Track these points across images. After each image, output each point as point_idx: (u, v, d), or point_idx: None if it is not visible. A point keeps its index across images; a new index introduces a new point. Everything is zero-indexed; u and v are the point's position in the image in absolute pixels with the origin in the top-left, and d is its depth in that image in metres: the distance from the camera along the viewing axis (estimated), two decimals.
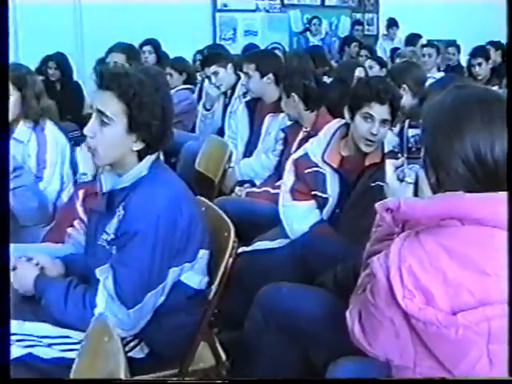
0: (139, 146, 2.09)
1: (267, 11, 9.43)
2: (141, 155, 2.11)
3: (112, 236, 2.09)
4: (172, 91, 5.43)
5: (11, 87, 3.10)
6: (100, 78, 2.07)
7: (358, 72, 4.56)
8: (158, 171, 2.13)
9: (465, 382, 1.92)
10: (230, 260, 2.22)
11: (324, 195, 2.97)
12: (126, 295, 2.01)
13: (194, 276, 2.18)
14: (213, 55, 5.28)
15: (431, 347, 1.44)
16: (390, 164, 1.71)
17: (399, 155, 2.60)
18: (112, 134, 2.06)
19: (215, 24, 9.05)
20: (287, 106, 3.66)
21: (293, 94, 3.56)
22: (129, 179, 2.11)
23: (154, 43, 6.28)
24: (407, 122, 1.69)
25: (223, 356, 2.36)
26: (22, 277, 2.16)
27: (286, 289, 2.34)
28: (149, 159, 2.12)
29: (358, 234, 2.75)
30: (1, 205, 1.34)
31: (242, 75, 4.65)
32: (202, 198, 2.64)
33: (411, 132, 1.66)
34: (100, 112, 2.06)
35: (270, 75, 4.08)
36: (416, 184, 1.61)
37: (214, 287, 2.23)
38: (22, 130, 3.07)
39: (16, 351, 2.08)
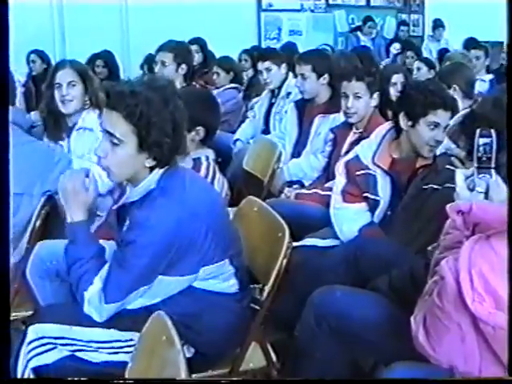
0: (151, 163, 2.06)
1: (312, 11, 9.39)
2: (153, 169, 2.10)
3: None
4: (218, 90, 5.48)
5: (76, 78, 3.19)
6: (107, 97, 2.04)
7: (396, 78, 4.47)
8: (167, 183, 2.09)
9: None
10: (284, 261, 2.21)
11: (375, 197, 2.95)
12: (110, 291, 2.03)
13: (216, 282, 2.19)
14: (269, 51, 5.26)
15: (499, 353, 1.41)
16: (460, 173, 1.69)
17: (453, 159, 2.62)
18: (123, 154, 2.04)
19: (260, 23, 9.04)
20: None
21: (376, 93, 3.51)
22: (137, 193, 2.10)
23: (200, 42, 6.29)
24: (478, 130, 1.66)
25: (273, 357, 2.36)
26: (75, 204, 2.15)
27: (340, 292, 2.31)
28: (157, 172, 2.09)
29: (409, 237, 2.77)
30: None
31: (290, 75, 4.66)
32: (254, 198, 2.64)
33: (482, 141, 1.63)
34: (109, 133, 2.04)
35: (326, 76, 4.05)
36: (486, 193, 1.58)
37: (267, 288, 2.23)
38: (90, 118, 3.19)
39: (62, 355, 2.16)
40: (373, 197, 2.96)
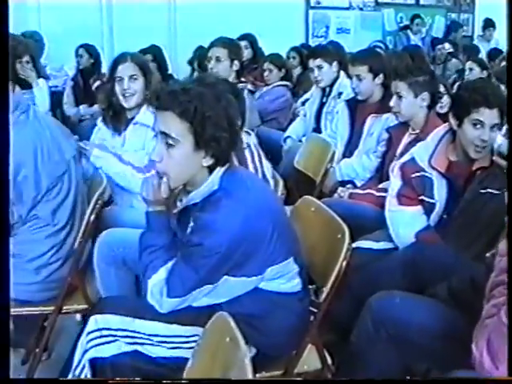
0: (209, 161, 2.03)
1: (361, 9, 9.31)
2: (211, 168, 2.06)
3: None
4: (268, 87, 5.45)
5: (138, 72, 3.18)
6: (157, 99, 2.01)
7: None
8: (229, 183, 2.05)
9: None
10: (344, 263, 2.17)
11: (431, 200, 2.89)
12: (173, 285, 2.03)
13: (281, 282, 2.16)
14: (320, 48, 5.21)
15: None
16: None
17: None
18: (180, 155, 2.01)
19: (308, 21, 8.98)
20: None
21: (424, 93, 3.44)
22: (200, 195, 2.07)
23: (250, 38, 6.27)
24: None
25: (329, 360, 2.32)
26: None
27: (399, 298, 2.27)
28: (218, 172, 2.06)
29: (466, 241, 2.70)
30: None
31: (342, 74, 4.61)
32: (311, 198, 2.61)
33: None
34: (164, 134, 2.01)
35: (381, 75, 3.99)
36: None
37: (325, 290, 2.19)
38: (146, 115, 3.16)
39: (122, 348, 2.15)
40: (429, 200, 2.90)
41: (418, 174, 2.92)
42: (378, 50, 5.78)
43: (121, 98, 3.23)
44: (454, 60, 7.81)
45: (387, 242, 2.94)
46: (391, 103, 3.48)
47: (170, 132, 1.99)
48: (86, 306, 2.73)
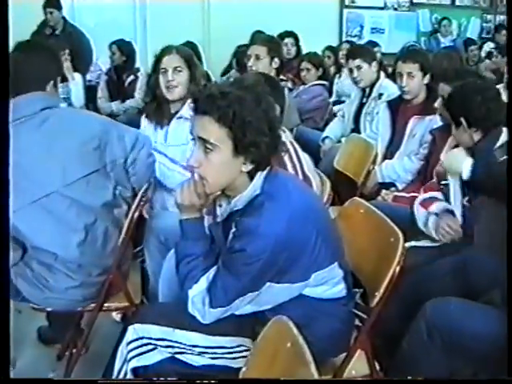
0: (249, 167, 1.97)
1: (395, 9, 9.20)
2: (251, 173, 1.99)
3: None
4: (305, 86, 5.40)
5: (183, 64, 3.14)
6: (195, 103, 1.96)
7: None
8: (271, 187, 1.98)
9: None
10: (398, 268, 2.10)
11: None
12: (215, 295, 1.97)
13: (327, 288, 2.09)
14: (360, 48, 5.15)
15: None
16: None
17: None
18: (218, 161, 1.94)
19: (342, 20, 8.91)
20: None
21: None
22: (242, 201, 2.00)
23: (295, 36, 6.21)
24: None
25: (377, 365, 2.26)
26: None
27: (454, 305, 2.21)
28: (260, 176, 1.99)
29: None
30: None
31: (382, 75, 4.54)
32: (360, 200, 2.55)
33: None
34: (202, 139, 1.94)
35: (428, 75, 3.90)
36: None
37: (377, 294, 2.12)
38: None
39: (164, 355, 2.12)
40: None
41: None
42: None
43: (164, 90, 3.18)
44: (487, 61, 7.68)
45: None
46: (436, 104, 3.40)
47: (208, 137, 1.92)
48: (127, 304, 2.70)
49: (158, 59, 3.23)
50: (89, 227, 2.57)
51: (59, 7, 6.91)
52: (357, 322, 2.29)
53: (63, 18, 6.97)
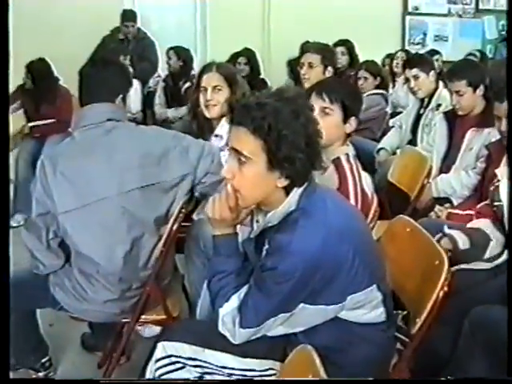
0: (284, 182, 1.87)
1: (460, 16, 8.94)
2: (288, 189, 1.90)
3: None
4: (364, 95, 5.28)
5: (222, 83, 3.11)
6: (231, 112, 1.88)
7: None
8: (308, 203, 1.89)
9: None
10: (441, 293, 1.98)
11: None
12: (246, 314, 1.90)
13: (364, 312, 1.98)
14: (418, 57, 5.00)
15: None
16: None
17: None
18: (252, 174, 1.86)
19: (405, 27, 8.72)
20: None
21: None
22: (276, 217, 1.91)
23: (347, 44, 6.09)
24: None
25: None
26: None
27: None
28: (296, 192, 1.90)
29: None
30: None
31: (441, 85, 4.39)
32: (407, 218, 2.43)
33: None
34: (236, 151, 1.87)
35: (482, 87, 3.74)
36: None
37: (419, 321, 2.00)
38: (224, 127, 3.10)
39: (192, 374, 2.07)
40: None
41: None
42: (473, 58, 5.49)
43: (203, 108, 3.18)
44: None
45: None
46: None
47: (242, 149, 1.85)
48: (164, 317, 2.66)
49: (199, 77, 3.23)
50: (136, 240, 2.55)
51: (135, 20, 7.21)
52: (398, 345, 2.17)
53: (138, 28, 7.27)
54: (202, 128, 3.20)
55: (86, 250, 2.51)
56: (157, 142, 2.59)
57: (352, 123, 2.63)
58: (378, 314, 2.01)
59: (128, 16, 7.16)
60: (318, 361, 1.46)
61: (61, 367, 3.08)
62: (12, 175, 5.34)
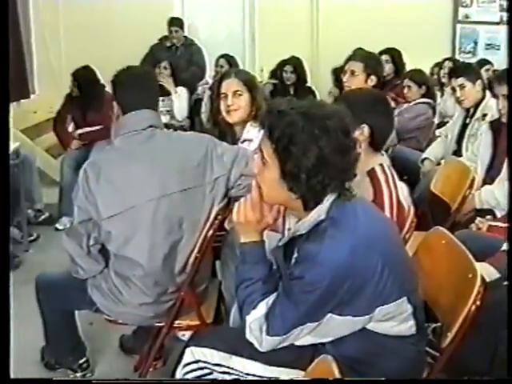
0: (293, 195, 1.86)
1: None
2: (303, 202, 1.88)
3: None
4: (409, 104, 5.23)
5: (242, 88, 3.15)
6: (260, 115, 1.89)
7: None
8: (338, 213, 1.85)
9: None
10: (473, 308, 1.94)
11: None
12: (273, 322, 1.89)
13: (393, 324, 1.94)
14: (464, 67, 4.93)
15: None
16: None
17: None
18: (268, 177, 1.88)
19: (455, 36, 8.60)
20: None
21: None
22: (306, 226, 1.89)
23: (392, 52, 6.03)
24: None
25: None
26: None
27: None
28: (328, 201, 1.87)
29: None
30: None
31: (488, 94, 4.31)
32: (443, 230, 2.39)
33: None
34: (261, 150, 1.89)
35: None
36: None
37: (450, 335, 1.97)
38: (250, 132, 3.16)
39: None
40: None
41: None
42: None
43: (224, 113, 3.22)
44: None
45: None
46: None
47: (263, 150, 1.89)
48: (198, 323, 2.67)
49: (219, 84, 3.27)
50: (174, 245, 2.60)
51: (182, 26, 7.39)
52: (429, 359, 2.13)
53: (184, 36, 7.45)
54: (224, 135, 3.22)
55: (128, 252, 2.57)
56: (195, 147, 2.66)
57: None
58: (407, 326, 1.97)
59: (174, 22, 7.36)
60: (337, 371, 1.45)
61: (98, 368, 3.13)
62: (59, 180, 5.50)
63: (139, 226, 2.54)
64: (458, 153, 4.40)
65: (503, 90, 3.64)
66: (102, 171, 2.55)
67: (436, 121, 5.54)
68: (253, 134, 3.10)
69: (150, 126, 2.61)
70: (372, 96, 2.78)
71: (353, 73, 4.00)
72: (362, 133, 2.48)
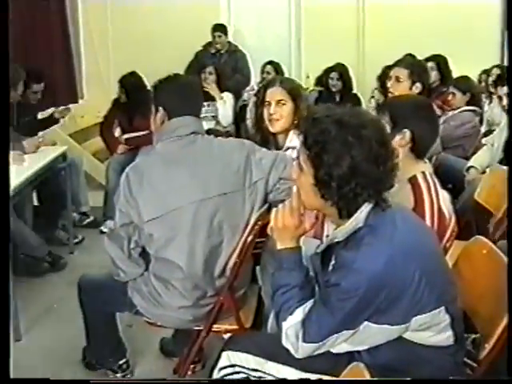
0: (328, 203, 1.86)
1: None
2: (338, 210, 1.88)
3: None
4: (455, 112, 5.16)
5: (286, 97, 3.14)
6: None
7: None
8: (376, 221, 1.85)
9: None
10: None
11: None
12: (310, 329, 1.88)
13: (430, 334, 1.92)
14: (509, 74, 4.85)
15: None
16: None
17: None
18: (304, 182, 1.89)
19: (503, 43, 8.44)
20: None
21: None
22: (343, 233, 1.89)
23: (437, 59, 5.95)
24: None
25: None
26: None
27: None
28: (366, 208, 1.86)
29: None
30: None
31: None
32: (484, 239, 2.35)
33: None
34: (297, 157, 1.91)
35: None
36: None
37: (487, 346, 1.95)
38: (293, 138, 3.15)
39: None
40: None
41: None
42: None
43: (267, 122, 3.22)
44: None
45: None
46: None
47: (299, 155, 1.90)
48: (236, 327, 2.68)
49: (263, 92, 3.27)
50: (214, 248, 2.62)
51: (226, 32, 7.46)
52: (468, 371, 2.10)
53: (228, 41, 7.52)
54: (267, 141, 3.22)
55: (169, 254, 2.60)
56: (235, 153, 2.69)
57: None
58: (445, 337, 1.95)
59: (218, 28, 7.44)
60: (369, 378, 1.44)
61: (138, 370, 3.17)
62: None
63: (180, 228, 2.57)
64: (504, 161, 4.32)
65: None
66: (145, 175, 2.60)
67: (483, 129, 5.45)
68: (296, 141, 3.08)
69: (193, 133, 2.65)
70: (416, 102, 2.76)
71: (397, 79, 3.96)
72: (403, 138, 2.46)
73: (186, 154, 2.63)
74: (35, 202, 5.01)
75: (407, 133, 2.47)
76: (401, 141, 2.45)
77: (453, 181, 4.25)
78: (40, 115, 5.62)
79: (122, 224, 2.64)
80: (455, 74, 5.93)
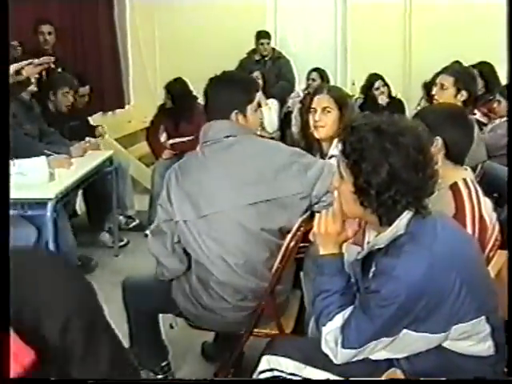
0: (368, 210, 1.86)
1: None
2: (379, 218, 1.88)
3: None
4: (502, 120, 5.08)
5: (332, 105, 3.15)
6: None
7: None
8: (417, 228, 1.84)
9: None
10: None
11: None
12: (349, 335, 1.89)
13: (470, 344, 1.91)
14: None
15: None
16: None
17: None
18: (344, 190, 1.90)
19: None
20: None
21: None
22: (384, 240, 1.89)
23: (481, 67, 5.85)
24: None
25: None
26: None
27: None
28: (406, 215, 1.85)
29: None
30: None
31: None
32: None
33: None
34: (338, 165, 1.91)
35: None
36: None
37: None
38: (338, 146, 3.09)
39: None
40: None
41: None
42: None
43: (312, 128, 3.23)
44: None
45: None
46: None
47: (340, 163, 1.91)
48: (277, 333, 2.69)
49: (311, 98, 3.29)
50: (249, 254, 2.61)
51: (269, 38, 7.54)
52: None
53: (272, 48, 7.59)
54: (310, 148, 3.22)
55: (201, 259, 2.63)
56: (275, 158, 2.66)
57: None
58: (485, 347, 1.94)
59: (262, 35, 7.51)
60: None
61: (179, 372, 3.20)
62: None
63: (210, 234, 2.59)
64: None
65: None
66: (180, 177, 2.65)
67: None
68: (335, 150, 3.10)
69: (227, 136, 2.64)
70: (448, 110, 2.76)
71: (442, 86, 3.94)
72: (435, 145, 2.46)
73: (221, 158, 2.64)
74: (80, 206, 5.08)
75: (439, 140, 2.48)
76: (433, 148, 2.45)
77: (498, 189, 4.17)
78: (91, 120, 5.76)
79: (164, 219, 2.68)
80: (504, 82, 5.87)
